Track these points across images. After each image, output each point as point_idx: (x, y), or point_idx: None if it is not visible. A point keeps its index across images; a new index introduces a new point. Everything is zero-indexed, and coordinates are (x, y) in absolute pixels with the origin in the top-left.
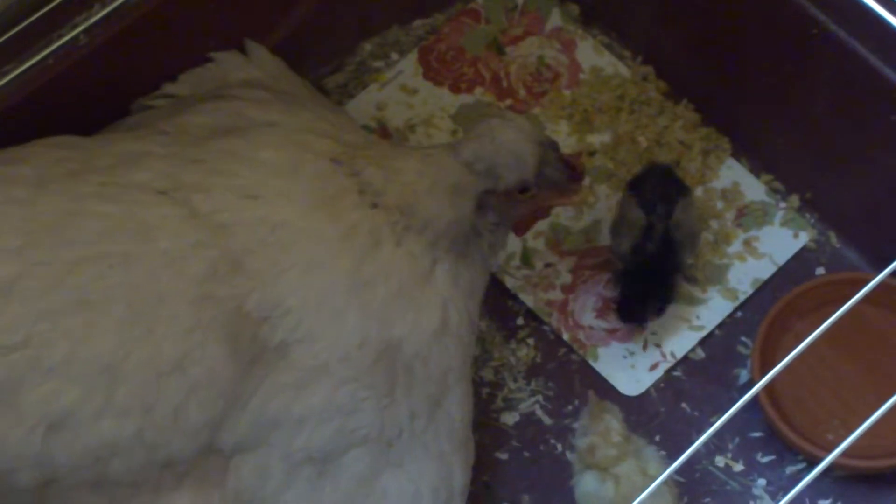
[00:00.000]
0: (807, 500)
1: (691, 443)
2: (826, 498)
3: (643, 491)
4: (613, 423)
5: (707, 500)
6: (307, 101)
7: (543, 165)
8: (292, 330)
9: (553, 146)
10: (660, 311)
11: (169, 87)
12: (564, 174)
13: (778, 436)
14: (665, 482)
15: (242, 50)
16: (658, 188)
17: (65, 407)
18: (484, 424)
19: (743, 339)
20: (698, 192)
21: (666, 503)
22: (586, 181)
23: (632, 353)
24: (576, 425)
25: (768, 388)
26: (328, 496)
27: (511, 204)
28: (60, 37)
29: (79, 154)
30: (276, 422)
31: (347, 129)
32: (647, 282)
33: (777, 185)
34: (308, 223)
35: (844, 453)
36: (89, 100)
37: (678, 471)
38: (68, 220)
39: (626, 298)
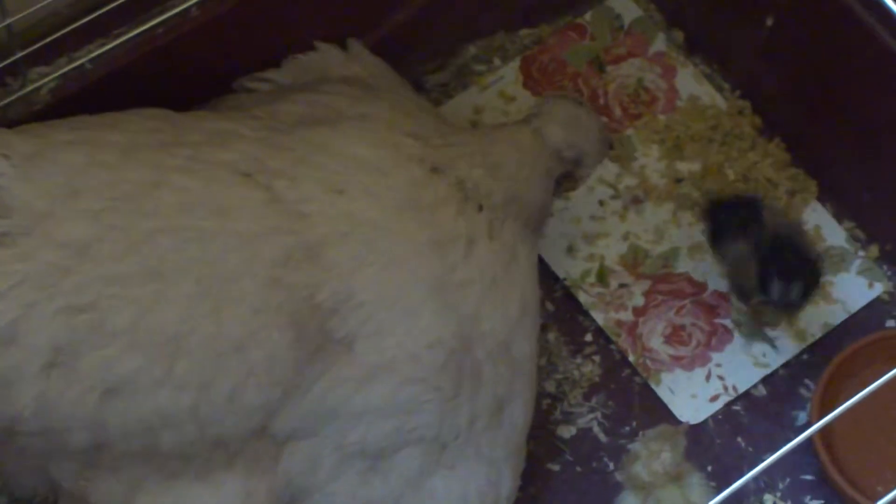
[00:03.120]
0: None
1: (742, 477)
2: None
3: None
4: (665, 448)
5: None
6: (406, 102)
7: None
8: (362, 324)
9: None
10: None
11: (271, 73)
12: (604, 145)
13: (828, 481)
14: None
15: (343, 47)
16: (733, 217)
17: (123, 373)
18: (539, 435)
19: (806, 381)
20: None
21: None
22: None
23: (694, 383)
24: (630, 447)
25: (825, 431)
26: (376, 491)
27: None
28: (174, 6)
29: (170, 127)
30: (333, 413)
31: (444, 133)
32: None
33: (858, 233)
34: (394, 224)
35: None
36: (191, 75)
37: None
38: (150, 190)
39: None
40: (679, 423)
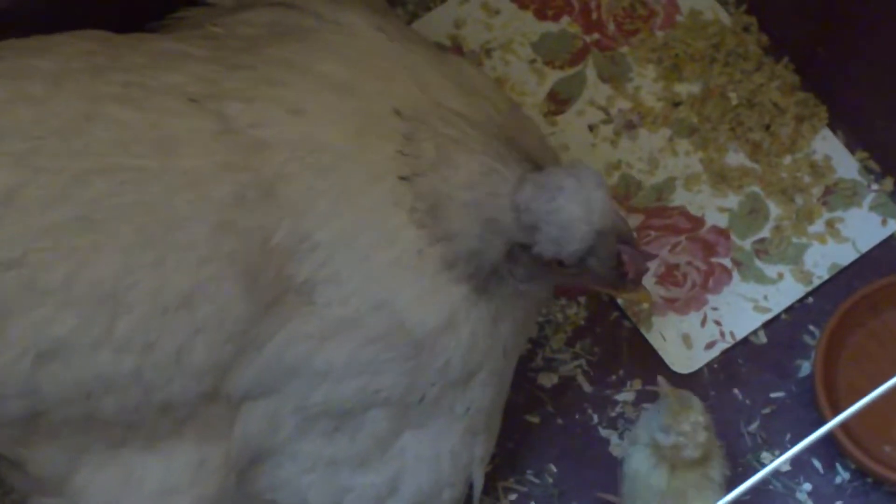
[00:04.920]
0: None
1: (738, 432)
2: None
3: (696, 489)
4: (700, 419)
5: (746, 497)
6: (395, 34)
7: (590, 254)
8: (319, 268)
9: (622, 236)
10: None
11: None
12: (611, 272)
13: (831, 439)
14: (720, 482)
15: None
16: None
17: (58, 335)
18: (518, 384)
19: (810, 327)
20: (786, 160)
21: (715, 500)
22: (649, 281)
23: (689, 328)
24: (617, 397)
25: (829, 387)
26: (343, 451)
27: (548, 268)
28: None
29: (108, 49)
30: (293, 371)
31: (433, 84)
32: None
33: (872, 164)
34: (354, 150)
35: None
36: None
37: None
38: (82, 125)
39: None
40: (671, 372)
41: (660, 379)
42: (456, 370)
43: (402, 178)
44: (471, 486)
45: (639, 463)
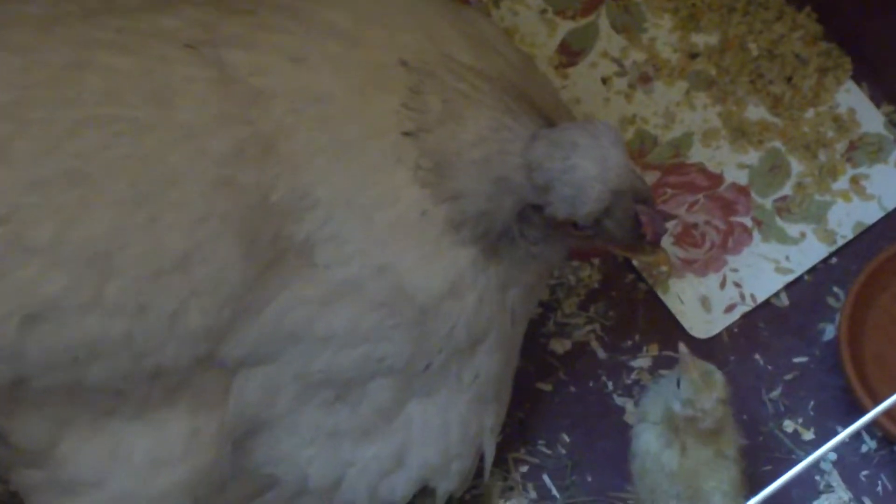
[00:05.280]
0: (883, 478)
1: (759, 399)
2: None
3: (710, 468)
4: (722, 396)
5: (768, 467)
6: None
7: (606, 215)
8: (319, 227)
9: (640, 196)
10: None
11: None
12: (628, 233)
13: (858, 406)
14: (734, 456)
15: None
16: None
17: (46, 296)
18: (529, 350)
19: (835, 289)
20: (809, 114)
21: (732, 477)
22: (666, 242)
23: (708, 290)
24: (633, 363)
25: (854, 350)
26: (344, 422)
27: (562, 231)
28: None
29: None
30: (293, 337)
31: (443, 35)
32: None
33: None
34: (352, 99)
35: None
36: None
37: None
38: (72, 74)
39: None
40: (689, 337)
41: (681, 346)
42: (461, 337)
43: (406, 134)
44: (481, 458)
45: (648, 442)
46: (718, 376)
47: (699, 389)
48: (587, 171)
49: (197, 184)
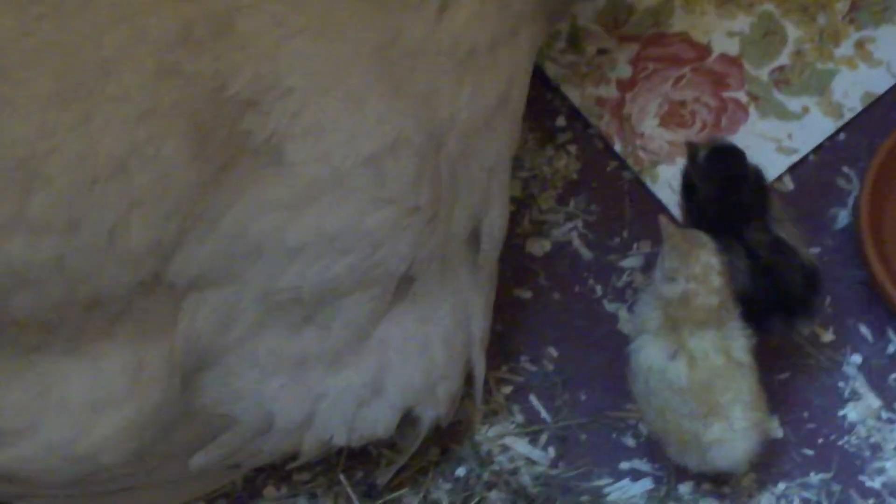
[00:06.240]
0: None
1: None
2: None
3: (724, 378)
4: (713, 260)
5: (784, 375)
6: None
7: None
8: (292, 119)
9: None
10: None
11: None
12: None
13: (883, 299)
14: (749, 360)
15: None
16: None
17: None
18: (502, 253)
19: (845, 169)
20: None
21: (749, 386)
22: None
23: None
24: (623, 263)
25: (876, 235)
26: (313, 347)
27: None
28: None
29: None
30: (257, 250)
31: None
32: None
33: None
34: None
35: None
36: None
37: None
38: None
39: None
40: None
41: (661, 218)
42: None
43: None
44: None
45: (650, 357)
46: (706, 238)
47: (684, 254)
48: None
49: (135, 74)
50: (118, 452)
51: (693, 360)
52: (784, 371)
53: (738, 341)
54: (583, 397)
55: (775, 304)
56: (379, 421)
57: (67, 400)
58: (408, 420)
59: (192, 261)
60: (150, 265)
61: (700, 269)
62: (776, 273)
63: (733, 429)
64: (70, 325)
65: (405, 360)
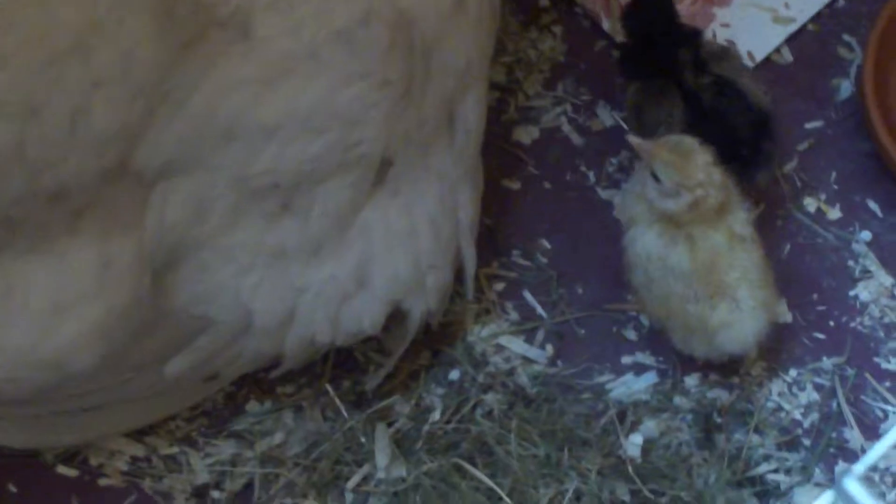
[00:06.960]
0: None
1: (773, 177)
2: None
3: (727, 257)
4: (706, 157)
5: (789, 255)
6: None
7: None
8: None
9: None
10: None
11: None
12: None
13: (891, 171)
14: (751, 235)
15: None
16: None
17: None
18: (488, 142)
19: (845, 37)
20: None
21: (754, 262)
22: None
23: None
24: (615, 160)
25: (882, 104)
26: (291, 237)
27: None
28: None
29: None
30: (229, 133)
31: None
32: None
33: None
34: None
35: None
36: None
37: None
38: None
39: None
40: None
41: (631, 138)
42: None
43: None
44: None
45: (648, 246)
46: (689, 140)
47: (681, 167)
48: None
49: None
50: (85, 357)
51: (693, 242)
52: (789, 249)
53: (738, 214)
54: (579, 291)
55: (723, 152)
56: (365, 315)
57: (30, 302)
58: (396, 317)
59: (160, 146)
60: (115, 151)
61: (703, 175)
62: (719, 118)
63: (740, 309)
64: (32, 221)
65: (390, 250)
